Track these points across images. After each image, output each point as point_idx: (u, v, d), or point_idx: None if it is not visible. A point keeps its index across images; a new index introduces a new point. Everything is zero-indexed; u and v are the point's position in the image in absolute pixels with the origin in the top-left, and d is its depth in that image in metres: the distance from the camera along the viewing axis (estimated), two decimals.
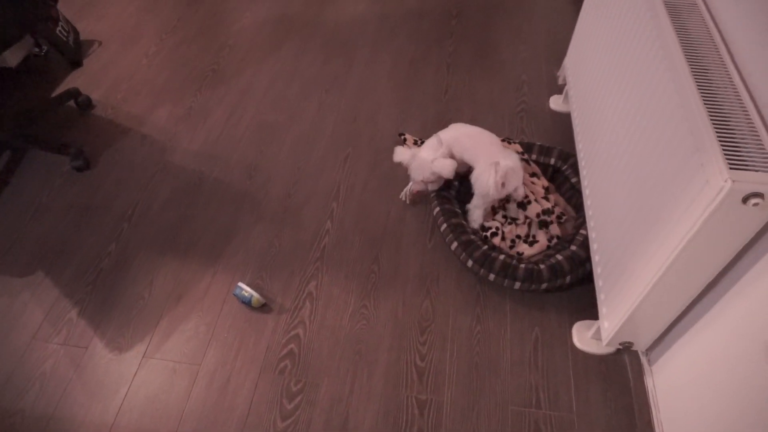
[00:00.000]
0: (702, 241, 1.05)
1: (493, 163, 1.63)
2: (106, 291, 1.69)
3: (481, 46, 2.57)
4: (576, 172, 1.82)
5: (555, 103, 2.25)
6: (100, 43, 2.60)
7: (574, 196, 1.82)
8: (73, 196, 1.95)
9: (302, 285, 1.71)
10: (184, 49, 2.58)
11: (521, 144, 1.95)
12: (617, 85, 1.49)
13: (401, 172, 1.98)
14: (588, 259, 1.60)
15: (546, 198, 1.79)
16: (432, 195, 1.82)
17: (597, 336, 1.51)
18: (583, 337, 1.56)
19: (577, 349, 1.55)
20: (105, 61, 2.51)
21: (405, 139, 2.10)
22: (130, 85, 2.39)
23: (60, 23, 2.44)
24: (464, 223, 1.73)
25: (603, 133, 1.58)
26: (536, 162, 1.92)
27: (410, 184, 1.86)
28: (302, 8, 2.82)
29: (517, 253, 1.72)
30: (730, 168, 0.94)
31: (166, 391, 1.49)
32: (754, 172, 0.93)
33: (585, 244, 1.61)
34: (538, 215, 1.75)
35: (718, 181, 0.94)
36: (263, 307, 1.65)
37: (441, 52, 2.54)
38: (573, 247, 1.63)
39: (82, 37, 2.63)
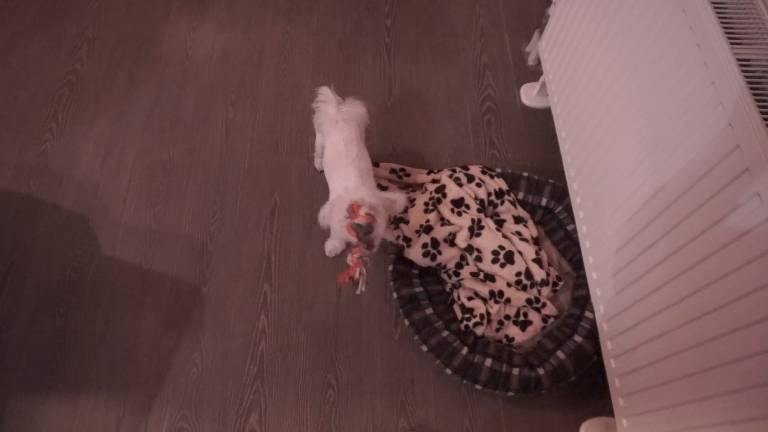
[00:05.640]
0: None
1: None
2: None
3: (427, 10, 2.00)
4: (572, 217, 1.43)
5: (528, 95, 1.79)
6: None
7: (570, 246, 1.45)
8: None
9: (240, 421, 1.31)
10: (23, 48, 1.85)
11: (503, 176, 1.52)
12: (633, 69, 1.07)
13: None
14: (597, 351, 1.27)
15: (537, 260, 1.41)
16: (389, 268, 1.40)
17: None
18: None
19: None
20: None
21: None
22: None
23: None
24: (432, 314, 1.33)
25: (610, 145, 1.18)
26: (523, 203, 1.50)
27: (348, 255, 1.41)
28: None
29: (506, 336, 1.37)
30: None
31: None
32: None
33: (593, 333, 1.27)
34: (518, 275, 1.38)
35: None
36: None
37: (377, 24, 1.95)
38: (577, 338, 1.29)
39: None
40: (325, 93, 1.34)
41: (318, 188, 1.61)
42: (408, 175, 1.58)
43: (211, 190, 1.60)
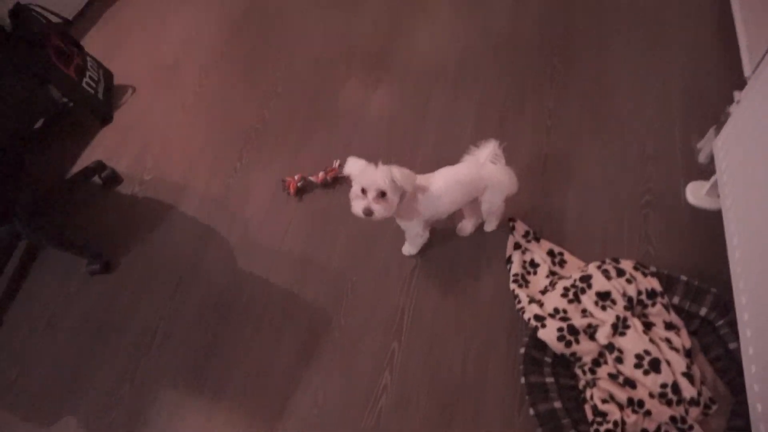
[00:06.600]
0: None
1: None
2: None
3: (591, 95, 1.99)
4: (736, 333, 1.28)
5: (695, 194, 1.68)
6: (134, 90, 2.25)
7: (730, 367, 1.29)
8: (88, 308, 1.66)
9: None
10: (224, 97, 2.19)
11: (658, 276, 1.42)
12: None
13: (488, 291, 1.54)
14: None
15: (688, 374, 1.27)
16: (521, 351, 1.36)
17: None
18: None
19: None
20: (137, 114, 2.17)
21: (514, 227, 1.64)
22: (163, 149, 2.04)
23: (88, 72, 2.12)
24: (560, 409, 1.26)
25: None
26: (678, 309, 1.39)
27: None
28: (367, 38, 2.33)
29: None
30: None
31: None
32: None
33: None
34: (664, 387, 1.25)
35: None
36: None
37: (539, 104, 1.98)
38: None
39: (116, 80, 2.29)
40: (490, 144, 1.46)
41: (459, 252, 1.64)
42: (564, 263, 1.55)
43: (359, 240, 1.70)
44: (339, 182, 1.85)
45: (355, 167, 1.32)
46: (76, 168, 1.99)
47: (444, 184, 1.43)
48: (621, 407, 1.27)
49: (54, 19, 2.09)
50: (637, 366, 1.30)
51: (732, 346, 1.29)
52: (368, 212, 1.29)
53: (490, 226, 1.64)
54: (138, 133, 2.10)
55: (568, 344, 1.32)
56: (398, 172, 1.29)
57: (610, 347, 1.33)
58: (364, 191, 1.30)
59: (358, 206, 1.31)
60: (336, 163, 1.85)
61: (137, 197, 1.91)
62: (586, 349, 1.33)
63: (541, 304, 1.42)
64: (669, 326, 1.37)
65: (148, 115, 2.16)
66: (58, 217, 1.86)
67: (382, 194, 1.29)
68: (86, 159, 2.01)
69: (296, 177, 1.82)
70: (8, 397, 1.51)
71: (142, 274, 1.71)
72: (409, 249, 1.63)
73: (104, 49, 2.36)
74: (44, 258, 1.79)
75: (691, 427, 1.24)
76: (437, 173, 1.47)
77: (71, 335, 1.60)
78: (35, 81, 1.80)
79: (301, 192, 1.83)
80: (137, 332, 1.59)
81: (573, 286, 1.43)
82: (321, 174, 1.83)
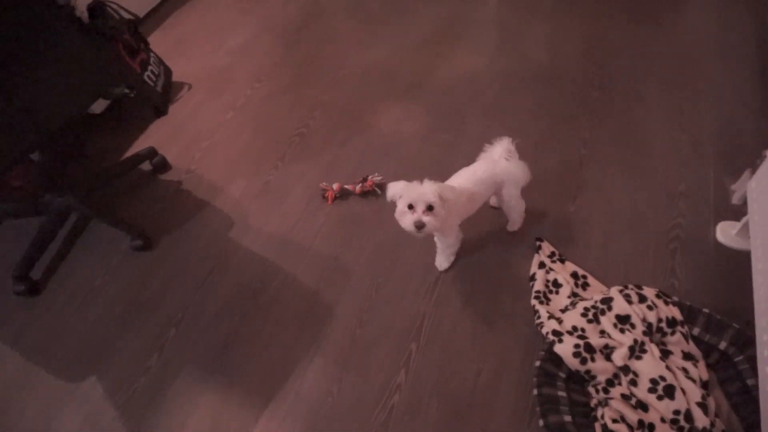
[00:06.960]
0: None
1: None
2: (134, 421, 1.45)
3: (627, 131, 2.03)
4: (755, 369, 1.28)
5: (725, 233, 1.69)
6: (190, 87, 2.39)
7: (746, 402, 1.29)
8: (126, 283, 1.75)
9: None
10: (273, 103, 2.30)
11: (680, 305, 1.43)
12: None
13: (508, 306, 1.57)
14: None
15: (702, 404, 1.27)
16: (536, 363, 1.38)
17: None
18: None
19: None
20: (190, 110, 2.30)
21: (540, 247, 1.68)
22: (211, 144, 2.16)
23: (150, 67, 2.27)
24: (570, 423, 1.27)
25: None
26: (698, 340, 1.39)
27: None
28: (411, 60, 2.43)
29: None
30: None
31: None
32: None
33: None
34: (677, 414, 1.25)
35: None
36: None
37: (574, 135, 2.03)
38: None
39: (174, 76, 2.44)
40: (503, 141, 1.52)
41: (483, 267, 1.68)
42: (587, 285, 1.58)
43: (387, 247, 1.76)
44: (372, 192, 1.91)
45: (397, 188, 1.37)
46: (130, 152, 2.12)
47: (467, 185, 1.50)
48: (631, 429, 1.27)
49: (126, 15, 2.26)
50: (651, 390, 1.30)
51: (750, 382, 1.29)
52: (420, 224, 1.32)
53: (513, 226, 1.70)
54: (189, 126, 2.23)
55: (584, 361, 1.34)
56: (443, 189, 1.35)
57: (626, 369, 1.34)
58: (410, 207, 1.35)
59: (407, 221, 1.34)
60: (372, 177, 1.90)
61: (182, 185, 2.02)
62: (601, 368, 1.34)
63: (560, 321, 1.44)
64: (687, 356, 1.37)
65: (201, 111, 2.29)
66: (108, 195, 1.98)
67: (429, 208, 1.33)
68: (140, 145, 2.14)
69: (335, 187, 1.88)
70: (43, 355, 1.60)
71: (179, 256, 1.80)
72: (443, 262, 1.66)
73: (167, 47, 2.52)
74: (91, 231, 1.90)
75: None
76: (457, 176, 1.54)
77: (109, 304, 1.69)
78: (103, 71, 1.94)
79: (336, 198, 1.90)
80: (170, 308, 1.67)
81: (593, 307, 1.46)
82: (359, 187, 1.89)
